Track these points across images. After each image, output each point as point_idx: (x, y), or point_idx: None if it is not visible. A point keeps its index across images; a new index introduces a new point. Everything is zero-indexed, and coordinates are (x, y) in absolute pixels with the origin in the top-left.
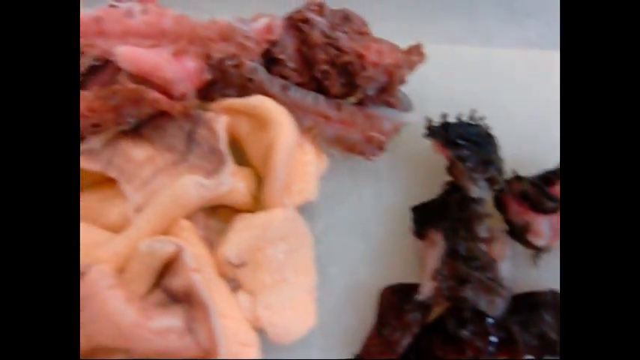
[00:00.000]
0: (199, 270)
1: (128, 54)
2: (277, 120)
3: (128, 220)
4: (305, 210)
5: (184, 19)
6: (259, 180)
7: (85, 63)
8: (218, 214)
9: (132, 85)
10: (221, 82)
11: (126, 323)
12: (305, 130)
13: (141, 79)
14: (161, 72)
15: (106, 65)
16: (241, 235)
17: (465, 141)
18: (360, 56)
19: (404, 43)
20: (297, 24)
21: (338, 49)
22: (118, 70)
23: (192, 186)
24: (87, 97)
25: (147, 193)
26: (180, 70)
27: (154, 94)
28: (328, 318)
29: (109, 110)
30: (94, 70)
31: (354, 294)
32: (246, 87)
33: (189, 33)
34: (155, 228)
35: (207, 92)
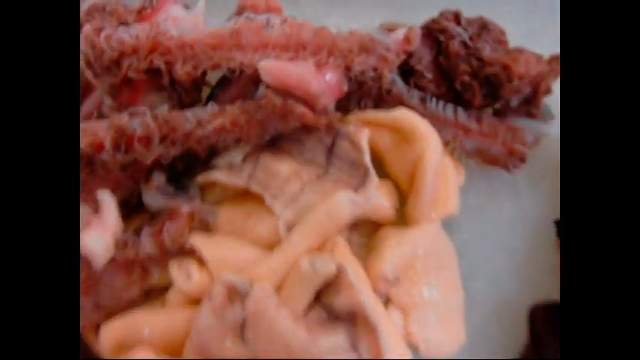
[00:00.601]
0: (363, 290)
1: (273, 68)
2: (423, 134)
3: (278, 236)
4: (445, 223)
5: (324, 31)
6: (400, 193)
7: (214, 75)
8: (359, 229)
9: (279, 100)
10: (358, 93)
11: (296, 343)
12: (444, 142)
13: (284, 92)
14: (306, 85)
15: (238, 77)
16: (395, 251)
17: None
18: (506, 67)
19: None
20: (434, 34)
21: (480, 60)
22: (251, 82)
23: (345, 202)
24: (231, 111)
25: (296, 208)
26: (323, 83)
27: (301, 109)
28: (475, 335)
29: (254, 125)
30: (225, 82)
31: (500, 311)
32: (383, 99)
33: (329, 45)
34: (311, 245)
35: (344, 104)
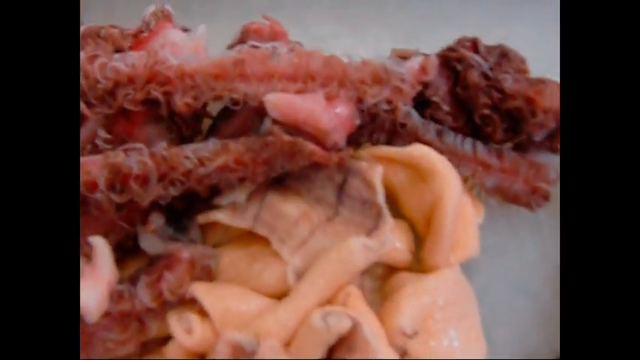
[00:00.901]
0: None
1: (280, 101)
2: (441, 172)
3: (286, 283)
4: (462, 265)
5: (334, 60)
6: (416, 234)
7: (215, 106)
8: (372, 272)
9: (287, 137)
10: (370, 126)
11: None
12: (463, 179)
13: (292, 128)
14: (316, 121)
15: (242, 109)
16: (412, 302)
17: None
18: (530, 101)
19: None
20: (451, 63)
21: (502, 92)
22: (256, 114)
23: (359, 248)
24: (235, 149)
25: (306, 254)
26: (334, 118)
27: (311, 147)
28: None
29: (260, 164)
30: (227, 113)
31: None
32: (397, 132)
33: (340, 75)
34: (322, 296)
35: (355, 138)
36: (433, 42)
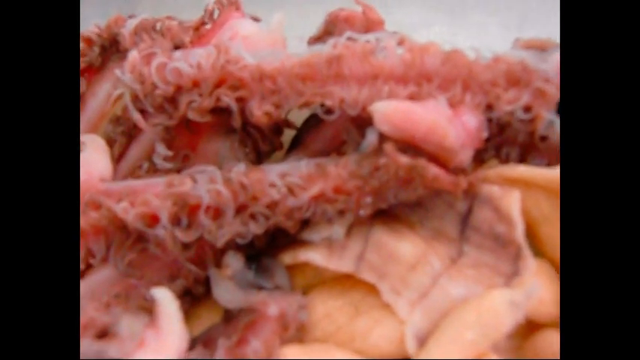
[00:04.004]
0: None
1: (394, 111)
2: None
3: (403, 348)
4: None
5: (457, 56)
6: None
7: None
8: None
9: (405, 159)
10: (497, 139)
11: None
12: None
13: (408, 145)
14: (441, 136)
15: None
16: None
17: None
18: None
19: None
20: None
21: None
22: (352, 124)
23: (504, 306)
24: (336, 174)
25: (429, 310)
26: (462, 133)
27: (434, 170)
28: None
29: (367, 193)
30: (314, 122)
31: None
32: (534, 147)
33: (465, 76)
34: None
35: (478, 153)
36: (551, 28)
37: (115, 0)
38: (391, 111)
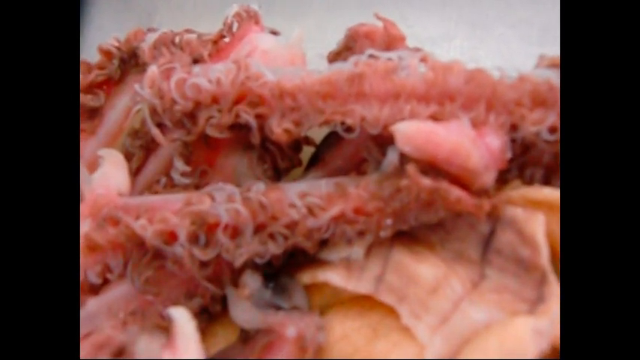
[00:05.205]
0: None
1: (416, 132)
2: None
3: None
4: None
5: (480, 75)
6: None
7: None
8: None
9: (427, 182)
10: (521, 160)
11: None
12: None
13: (430, 167)
14: (464, 158)
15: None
16: None
17: None
18: None
19: None
20: None
21: None
22: (372, 142)
23: (528, 335)
24: (357, 195)
25: (450, 335)
26: (486, 154)
27: (457, 193)
28: None
29: (388, 214)
30: (334, 140)
31: None
32: (558, 168)
33: (489, 95)
34: None
35: (501, 174)
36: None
37: (132, 10)
38: (413, 131)
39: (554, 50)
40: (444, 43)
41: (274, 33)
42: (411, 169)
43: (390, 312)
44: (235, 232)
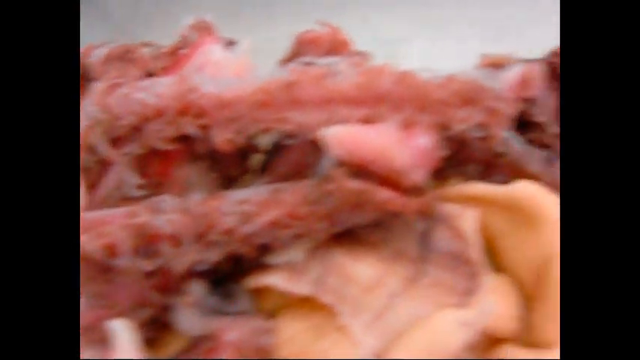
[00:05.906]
0: None
1: (343, 137)
2: (554, 217)
3: None
4: None
5: (409, 77)
6: (523, 293)
7: (265, 141)
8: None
9: (352, 184)
10: (458, 157)
11: None
12: None
13: (359, 169)
14: (389, 159)
15: (298, 142)
16: None
17: None
18: None
19: None
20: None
21: None
22: (314, 148)
23: (453, 327)
24: (289, 200)
25: (383, 331)
26: (413, 152)
27: (383, 194)
28: None
29: (320, 218)
30: (281, 147)
31: None
32: (493, 164)
33: (419, 96)
34: None
35: (439, 171)
36: (531, 42)
37: (107, 20)
38: (342, 136)
39: (511, 49)
40: (405, 45)
41: (231, 43)
42: (336, 172)
43: (333, 312)
44: (176, 242)
